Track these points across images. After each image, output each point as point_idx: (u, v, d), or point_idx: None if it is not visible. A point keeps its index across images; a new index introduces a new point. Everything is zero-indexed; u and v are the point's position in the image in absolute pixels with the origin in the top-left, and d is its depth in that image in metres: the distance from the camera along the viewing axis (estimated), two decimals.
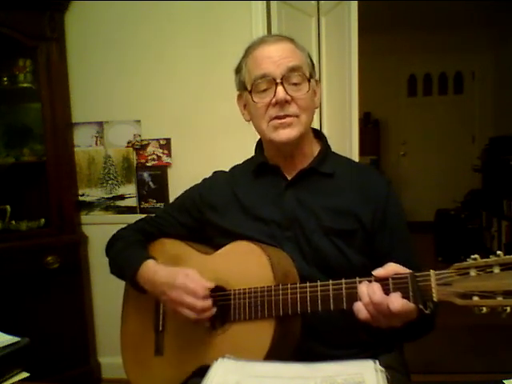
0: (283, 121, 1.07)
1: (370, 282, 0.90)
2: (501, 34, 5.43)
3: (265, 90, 1.07)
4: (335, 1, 2.41)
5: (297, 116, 1.08)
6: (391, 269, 0.90)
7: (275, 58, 1.07)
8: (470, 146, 5.93)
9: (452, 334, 2.70)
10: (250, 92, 1.09)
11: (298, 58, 1.10)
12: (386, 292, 0.88)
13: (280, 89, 1.05)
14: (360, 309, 0.89)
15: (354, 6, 2.21)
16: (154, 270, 1.13)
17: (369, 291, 0.88)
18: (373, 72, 5.26)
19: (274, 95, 1.05)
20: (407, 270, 0.90)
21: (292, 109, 1.07)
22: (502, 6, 4.65)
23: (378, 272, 0.90)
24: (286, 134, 1.08)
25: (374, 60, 5.19)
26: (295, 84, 1.07)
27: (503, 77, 5.46)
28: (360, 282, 0.92)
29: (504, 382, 0.83)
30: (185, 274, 1.06)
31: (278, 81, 1.05)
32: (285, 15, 2.33)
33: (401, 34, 5.53)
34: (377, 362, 0.79)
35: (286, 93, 1.05)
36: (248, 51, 1.13)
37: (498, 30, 5.45)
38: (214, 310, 1.04)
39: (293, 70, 1.07)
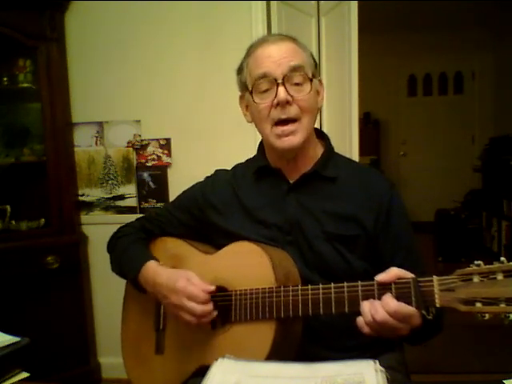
0: (285, 128, 1.05)
1: (372, 288, 0.90)
2: (501, 34, 5.42)
3: (266, 91, 1.05)
4: (335, 1, 2.41)
5: (299, 119, 1.05)
6: (393, 273, 0.89)
7: (276, 57, 1.04)
8: (470, 146, 5.93)
9: (452, 333, 2.69)
10: (251, 92, 1.07)
11: (300, 57, 1.07)
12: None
13: (281, 89, 1.03)
14: (362, 325, 0.89)
15: (354, 6, 2.21)
16: (155, 271, 1.12)
17: (371, 310, 0.87)
18: (373, 72, 5.26)
19: (276, 96, 1.03)
20: (410, 275, 0.89)
21: (293, 110, 1.04)
22: (502, 5, 4.65)
23: (381, 277, 0.89)
24: (288, 141, 1.06)
25: (374, 60, 5.18)
26: (297, 84, 1.05)
27: (503, 77, 5.45)
28: (363, 285, 0.91)
29: (504, 382, 0.83)
30: (186, 277, 1.05)
31: (279, 81, 1.03)
32: (285, 15, 2.33)
33: (401, 34, 5.52)
34: (377, 362, 0.80)
35: (288, 93, 1.03)
36: (249, 51, 1.11)
37: (497, 30, 5.44)
38: (215, 313, 1.04)
39: (294, 69, 1.04)
